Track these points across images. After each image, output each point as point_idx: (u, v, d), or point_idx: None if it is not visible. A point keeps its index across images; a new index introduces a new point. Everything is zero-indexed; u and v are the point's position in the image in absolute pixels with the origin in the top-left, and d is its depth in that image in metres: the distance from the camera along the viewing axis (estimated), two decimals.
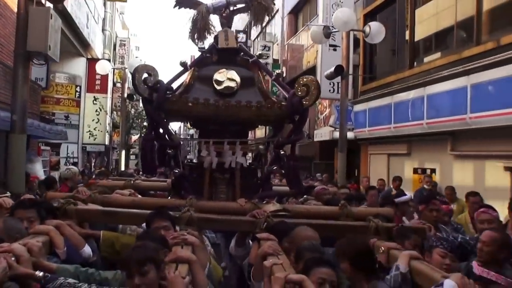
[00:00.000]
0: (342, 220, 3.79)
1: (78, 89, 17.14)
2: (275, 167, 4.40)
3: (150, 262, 2.14)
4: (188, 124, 5.28)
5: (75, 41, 16.08)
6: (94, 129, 18.49)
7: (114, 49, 23.81)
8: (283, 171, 4.47)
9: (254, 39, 22.60)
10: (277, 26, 20.19)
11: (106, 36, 21.87)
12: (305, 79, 4.06)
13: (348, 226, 3.63)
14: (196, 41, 4.52)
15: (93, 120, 18.50)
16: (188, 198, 3.83)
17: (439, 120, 8.59)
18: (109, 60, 19.10)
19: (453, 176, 8.73)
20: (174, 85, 4.16)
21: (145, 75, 3.94)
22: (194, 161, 4.83)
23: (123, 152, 18.45)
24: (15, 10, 7.19)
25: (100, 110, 18.55)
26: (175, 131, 4.50)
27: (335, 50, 11.81)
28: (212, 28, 4.45)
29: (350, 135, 11.87)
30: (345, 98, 9.05)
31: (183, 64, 4.24)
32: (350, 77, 10.98)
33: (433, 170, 9.51)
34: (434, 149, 9.43)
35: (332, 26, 9.07)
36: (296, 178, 4.33)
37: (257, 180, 4.43)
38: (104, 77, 18.23)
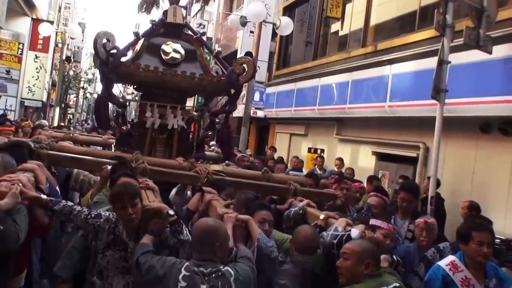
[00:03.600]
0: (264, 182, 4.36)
1: (21, 46, 18.10)
2: (210, 133, 4.91)
3: (137, 196, 2.59)
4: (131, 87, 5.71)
5: (21, 1, 17.14)
6: (33, 85, 19.38)
7: (60, 10, 24.31)
8: (216, 137, 5.01)
9: (194, 16, 23.14)
10: (215, 6, 20.91)
11: None
12: (243, 59, 4.63)
13: (274, 187, 4.17)
14: (142, 10, 5.03)
15: (32, 76, 19.36)
16: (134, 153, 4.22)
17: (327, 108, 10.04)
18: (52, 22, 20.17)
19: (337, 156, 10.27)
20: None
21: (104, 40, 4.35)
22: (135, 120, 5.31)
23: (57, 110, 19.45)
24: None
25: (40, 68, 19.41)
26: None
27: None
28: (160, 3, 4.93)
29: (261, 114, 13.22)
30: (252, 80, 10.21)
31: (135, 33, 4.66)
32: (264, 63, 12.15)
33: (322, 150, 11.01)
34: (325, 132, 10.86)
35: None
36: (228, 143, 4.83)
37: (190, 143, 4.86)
38: (47, 37, 19.21)
